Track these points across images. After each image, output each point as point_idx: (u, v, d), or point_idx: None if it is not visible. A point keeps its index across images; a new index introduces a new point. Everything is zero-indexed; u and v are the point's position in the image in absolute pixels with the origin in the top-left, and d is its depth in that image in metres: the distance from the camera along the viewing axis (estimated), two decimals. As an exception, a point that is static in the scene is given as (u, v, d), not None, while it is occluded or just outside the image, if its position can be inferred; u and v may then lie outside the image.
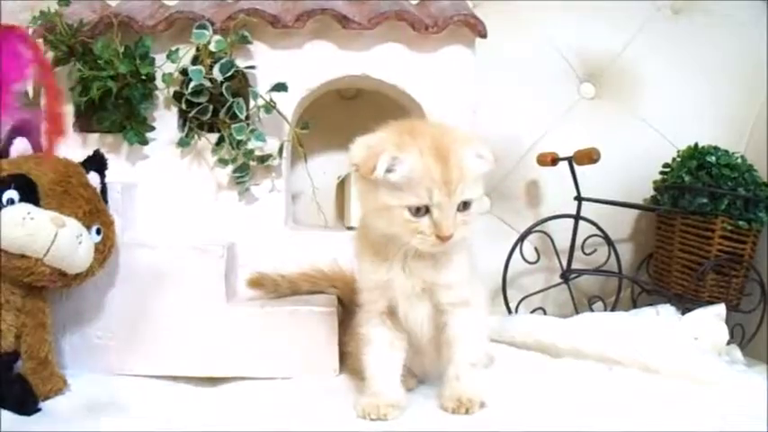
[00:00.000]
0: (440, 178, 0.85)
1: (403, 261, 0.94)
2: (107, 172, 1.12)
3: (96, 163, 1.11)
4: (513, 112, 1.50)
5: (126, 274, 1.11)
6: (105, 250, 1.07)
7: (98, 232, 1.05)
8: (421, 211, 0.87)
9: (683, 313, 1.28)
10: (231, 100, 1.17)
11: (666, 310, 1.29)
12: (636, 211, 1.48)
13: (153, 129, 1.21)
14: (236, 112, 1.17)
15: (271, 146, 1.22)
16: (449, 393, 0.96)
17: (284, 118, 1.21)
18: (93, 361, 1.10)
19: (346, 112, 1.46)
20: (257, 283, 1.18)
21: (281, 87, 1.18)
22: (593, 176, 1.39)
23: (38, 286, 1.01)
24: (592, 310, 1.41)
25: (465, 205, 0.88)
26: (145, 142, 1.20)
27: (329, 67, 1.23)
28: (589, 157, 1.30)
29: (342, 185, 1.39)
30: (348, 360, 1.11)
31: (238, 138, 1.16)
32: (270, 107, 1.19)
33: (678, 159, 1.38)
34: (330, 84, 1.26)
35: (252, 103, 1.20)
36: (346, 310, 1.14)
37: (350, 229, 1.28)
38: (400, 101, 1.31)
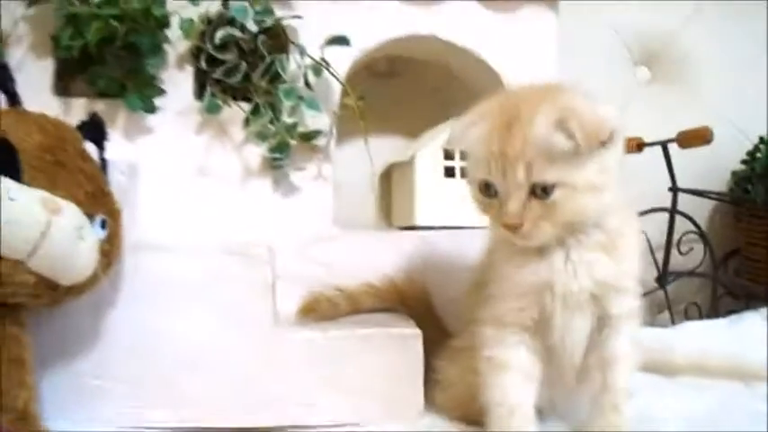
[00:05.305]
0: (497, 149, 0.69)
1: (565, 254, 0.73)
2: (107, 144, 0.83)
3: (93, 130, 0.82)
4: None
5: (132, 289, 0.86)
6: (112, 251, 0.80)
7: (103, 225, 0.77)
8: (491, 189, 0.72)
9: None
10: (270, 57, 0.91)
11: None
12: (710, 205, 1.38)
13: (164, 92, 0.93)
14: (279, 71, 0.92)
15: (315, 121, 0.97)
16: (605, 429, 0.77)
17: (339, 80, 0.98)
18: (87, 411, 0.84)
19: (379, 91, 1.22)
20: (311, 308, 0.94)
21: (340, 41, 0.95)
22: (650, 166, 1.23)
23: (12, 304, 0.73)
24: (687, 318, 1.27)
25: (543, 190, 0.68)
26: (152, 110, 0.93)
27: (391, 25, 1.05)
28: (702, 137, 1.12)
29: (386, 178, 1.18)
30: (438, 393, 0.88)
31: (288, 102, 0.89)
32: (322, 67, 0.93)
33: (764, 147, 1.29)
34: (389, 46, 1.06)
35: (293, 63, 0.94)
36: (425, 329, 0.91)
37: (407, 228, 1.07)
38: (460, 75, 1.12)
